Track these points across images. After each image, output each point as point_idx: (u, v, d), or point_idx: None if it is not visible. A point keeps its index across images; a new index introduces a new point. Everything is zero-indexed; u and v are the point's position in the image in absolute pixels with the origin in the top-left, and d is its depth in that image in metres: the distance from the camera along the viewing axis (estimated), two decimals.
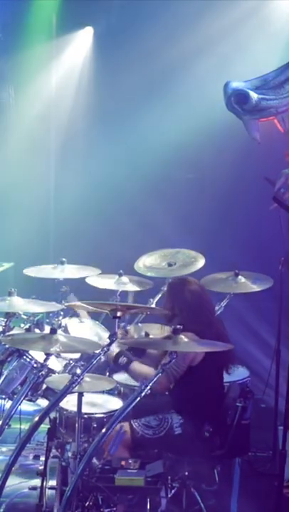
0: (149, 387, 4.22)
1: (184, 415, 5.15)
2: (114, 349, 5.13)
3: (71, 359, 5.42)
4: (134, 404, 4.27)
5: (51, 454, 4.52)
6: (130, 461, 4.88)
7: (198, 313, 5.25)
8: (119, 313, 4.45)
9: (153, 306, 6.11)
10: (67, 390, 4.31)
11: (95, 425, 5.09)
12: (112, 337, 4.41)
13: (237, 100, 5.69)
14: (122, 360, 5.16)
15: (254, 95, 5.69)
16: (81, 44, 8.48)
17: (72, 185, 8.33)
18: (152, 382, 4.24)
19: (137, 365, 5.17)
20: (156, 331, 5.88)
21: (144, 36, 7.89)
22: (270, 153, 6.55)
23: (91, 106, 8.39)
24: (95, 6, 8.21)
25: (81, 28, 8.46)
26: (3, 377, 5.08)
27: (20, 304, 5.02)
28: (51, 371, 5.24)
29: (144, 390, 4.22)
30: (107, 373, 5.77)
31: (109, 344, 4.41)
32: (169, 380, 5.08)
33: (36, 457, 4.70)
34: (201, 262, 6.30)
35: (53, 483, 4.53)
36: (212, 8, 7.63)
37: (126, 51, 8.00)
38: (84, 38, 8.48)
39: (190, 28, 7.75)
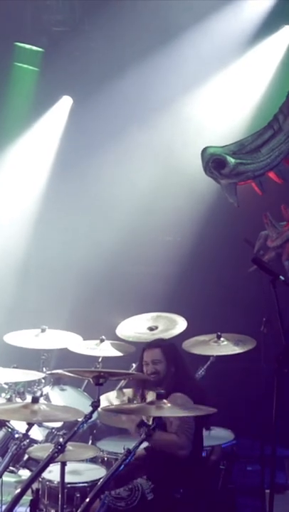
0: (132, 456, 4.12)
1: (155, 480, 4.97)
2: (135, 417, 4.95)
3: (53, 428, 5.38)
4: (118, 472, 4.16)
5: None
6: None
7: (190, 375, 5.33)
8: (102, 380, 4.38)
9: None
10: (49, 460, 4.18)
11: (78, 495, 4.96)
12: (95, 404, 4.31)
13: (215, 165, 5.78)
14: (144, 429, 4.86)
15: (231, 160, 5.78)
16: (58, 113, 8.48)
17: (53, 249, 8.28)
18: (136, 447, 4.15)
19: (161, 433, 4.90)
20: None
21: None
22: (248, 215, 6.59)
23: (68, 173, 8.41)
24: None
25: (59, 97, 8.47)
26: None
27: (1, 374, 4.96)
28: (33, 441, 5.19)
29: (129, 457, 4.12)
30: (90, 441, 5.70)
31: (92, 412, 4.32)
32: (190, 441, 4.93)
33: None
34: (182, 325, 6.30)
35: None
36: (187, 74, 7.67)
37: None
38: (62, 107, 8.46)
39: (165, 94, 7.80)
